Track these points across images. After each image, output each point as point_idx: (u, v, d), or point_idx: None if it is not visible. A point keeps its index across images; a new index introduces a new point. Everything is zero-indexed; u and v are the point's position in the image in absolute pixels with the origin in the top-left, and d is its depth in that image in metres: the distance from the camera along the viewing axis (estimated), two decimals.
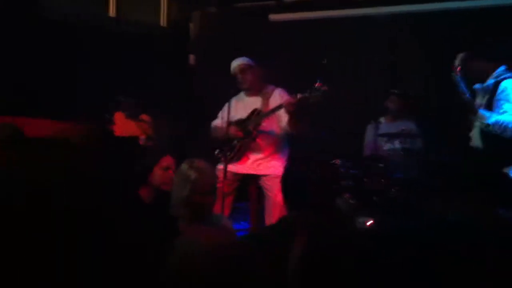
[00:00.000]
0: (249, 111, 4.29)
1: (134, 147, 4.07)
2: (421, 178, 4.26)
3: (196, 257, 1.37)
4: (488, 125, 3.39)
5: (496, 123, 3.36)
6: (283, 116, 4.10)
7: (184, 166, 2.61)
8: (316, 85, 3.87)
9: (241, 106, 4.33)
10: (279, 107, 4.06)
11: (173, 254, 1.43)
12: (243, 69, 4.26)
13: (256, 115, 4.26)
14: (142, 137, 4.63)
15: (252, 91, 4.33)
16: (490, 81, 3.52)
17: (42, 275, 1.48)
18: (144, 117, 5.06)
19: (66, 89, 4.85)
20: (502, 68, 3.54)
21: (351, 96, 5.41)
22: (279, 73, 5.11)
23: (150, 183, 2.89)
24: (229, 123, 4.19)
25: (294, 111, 3.95)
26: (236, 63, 4.30)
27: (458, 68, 3.42)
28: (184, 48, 6.03)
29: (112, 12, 5.65)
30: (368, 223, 3.86)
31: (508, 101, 3.43)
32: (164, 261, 1.42)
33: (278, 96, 4.24)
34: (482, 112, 3.43)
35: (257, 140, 4.22)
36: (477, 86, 3.63)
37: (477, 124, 3.54)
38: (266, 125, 4.23)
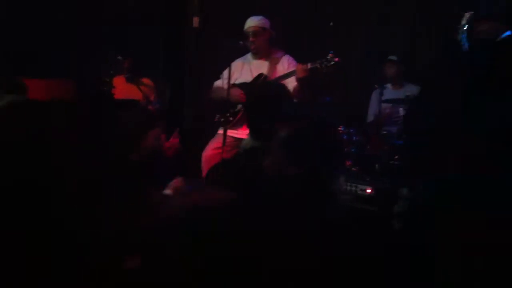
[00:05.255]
0: (255, 74, 4.19)
1: (132, 111, 4.02)
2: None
3: None
4: None
5: None
6: (290, 83, 4.03)
7: None
8: (329, 55, 3.80)
9: (246, 69, 4.23)
10: (291, 73, 3.98)
11: None
12: (256, 32, 4.15)
13: (262, 80, 4.17)
14: (143, 101, 4.59)
15: (260, 55, 4.23)
16: None
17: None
18: (146, 81, 5.02)
19: (60, 48, 4.77)
20: (508, 33, 3.43)
21: (356, 62, 5.30)
22: (286, 36, 5.03)
23: (140, 148, 2.86)
24: (233, 85, 4.11)
25: (304, 79, 3.89)
26: (252, 23, 4.17)
27: (464, 28, 3.31)
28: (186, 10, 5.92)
29: None
30: (368, 191, 3.84)
31: None
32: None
33: (286, 63, 4.15)
34: None
35: None
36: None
37: None
38: None
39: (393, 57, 4.94)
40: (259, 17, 4.20)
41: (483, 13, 3.34)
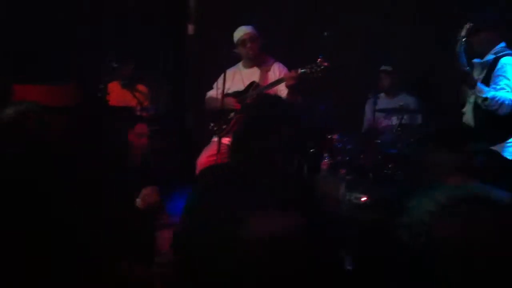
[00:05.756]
0: (247, 83, 4.22)
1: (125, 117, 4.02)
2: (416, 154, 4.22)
3: None
4: (485, 99, 3.34)
5: (493, 98, 3.32)
6: (282, 90, 4.04)
7: None
8: (318, 60, 3.81)
9: (238, 78, 4.25)
10: (279, 80, 4.00)
11: None
12: (252, 37, 4.15)
13: (254, 88, 4.19)
14: (136, 107, 4.59)
15: (251, 63, 4.24)
16: (490, 56, 3.48)
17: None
18: (141, 87, 5.01)
19: (57, 52, 4.75)
20: (502, 44, 3.48)
21: (351, 70, 5.33)
22: (278, 44, 5.04)
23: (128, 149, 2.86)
24: (226, 95, 4.13)
25: (294, 86, 3.90)
26: (244, 31, 4.17)
27: (463, 39, 3.34)
28: (181, 16, 5.93)
29: None
30: (363, 199, 3.85)
31: (506, 77, 3.39)
32: None
33: (277, 70, 4.18)
34: (480, 86, 3.39)
35: None
36: (476, 60, 3.57)
37: (470, 100, 3.50)
38: None
39: (387, 67, 4.96)
40: (250, 26, 4.22)
41: (478, 24, 3.39)
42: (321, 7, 5.41)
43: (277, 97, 2.90)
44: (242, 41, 4.16)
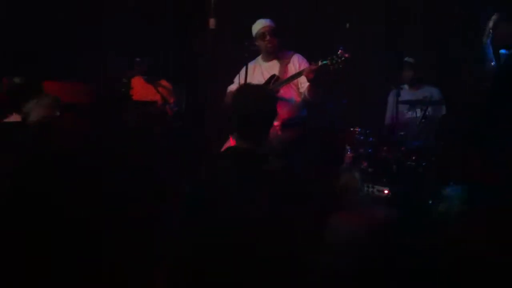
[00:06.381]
0: (267, 76, 4.21)
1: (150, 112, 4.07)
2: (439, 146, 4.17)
3: None
4: None
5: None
6: (302, 83, 4.04)
7: None
8: (339, 52, 3.79)
9: (258, 72, 4.25)
10: (299, 73, 3.99)
11: None
12: (270, 31, 4.16)
13: (275, 82, 4.19)
14: (160, 102, 4.63)
15: (271, 56, 4.24)
16: None
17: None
18: (164, 82, 5.05)
19: (74, 49, 4.82)
20: None
21: (373, 62, 5.28)
22: (299, 37, 5.03)
23: None
24: None
25: (315, 78, 3.89)
26: (263, 24, 4.18)
27: (490, 31, 3.28)
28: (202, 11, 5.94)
29: None
30: (385, 192, 3.83)
31: None
32: None
33: (296, 62, 4.16)
34: None
35: None
36: (502, 51, 3.50)
37: None
38: (284, 92, 4.16)
39: (410, 59, 4.90)
40: (268, 19, 4.22)
41: (504, 14, 3.32)
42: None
43: None
44: (261, 34, 4.16)
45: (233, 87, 4.38)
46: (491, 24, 3.27)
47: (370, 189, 3.89)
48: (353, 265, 1.23)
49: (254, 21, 4.25)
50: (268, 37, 4.15)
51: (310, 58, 4.06)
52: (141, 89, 4.80)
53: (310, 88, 3.98)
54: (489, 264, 1.14)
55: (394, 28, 5.18)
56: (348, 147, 4.32)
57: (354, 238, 1.27)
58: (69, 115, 2.01)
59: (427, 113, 4.51)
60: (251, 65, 4.25)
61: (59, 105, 2.40)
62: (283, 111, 4.14)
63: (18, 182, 1.50)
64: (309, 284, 1.27)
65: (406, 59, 4.89)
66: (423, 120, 4.50)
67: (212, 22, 5.91)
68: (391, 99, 4.95)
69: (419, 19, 5.17)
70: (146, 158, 2.80)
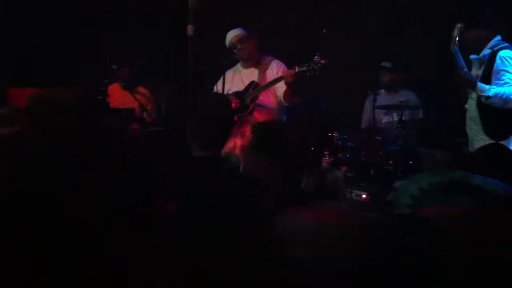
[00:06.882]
0: (246, 83, 4.25)
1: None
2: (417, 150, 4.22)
3: None
4: (488, 97, 3.35)
5: (496, 95, 3.33)
6: (279, 88, 4.08)
7: None
8: (315, 58, 3.83)
9: (237, 78, 4.29)
10: (278, 79, 4.02)
11: None
12: (241, 39, 4.21)
13: (254, 88, 4.21)
14: (138, 109, 4.60)
15: (249, 62, 4.28)
16: (486, 51, 3.48)
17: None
18: (142, 89, 5.03)
19: (57, 55, 4.77)
20: (497, 38, 3.48)
21: (351, 67, 5.32)
22: (277, 42, 5.04)
23: None
24: (226, 95, 4.15)
25: (292, 83, 3.92)
26: (233, 34, 4.25)
27: (456, 39, 3.35)
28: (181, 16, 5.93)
29: None
30: (363, 196, 3.86)
31: (508, 72, 3.39)
32: None
33: (275, 68, 4.21)
34: (481, 85, 3.39)
35: (254, 113, 4.19)
36: (473, 56, 3.57)
37: (473, 96, 3.51)
38: (263, 98, 4.20)
39: (387, 64, 4.94)
40: (239, 28, 4.28)
41: (470, 22, 3.40)
42: (321, 7, 5.41)
43: None
44: (232, 44, 4.22)
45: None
46: (456, 32, 3.35)
47: (348, 194, 3.91)
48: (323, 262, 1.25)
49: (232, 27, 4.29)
50: (239, 46, 4.19)
51: (292, 63, 4.09)
52: (118, 96, 4.78)
53: (286, 93, 4.02)
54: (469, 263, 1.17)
55: (394, 28, 5.21)
56: (326, 153, 4.35)
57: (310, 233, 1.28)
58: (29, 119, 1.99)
59: (403, 117, 4.56)
60: (230, 72, 4.28)
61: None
62: (262, 117, 4.17)
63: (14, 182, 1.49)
64: (308, 284, 1.28)
65: (382, 63, 4.93)
66: (399, 125, 4.55)
67: (190, 28, 5.90)
68: (368, 103, 4.99)
69: (419, 19, 5.20)
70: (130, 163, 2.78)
